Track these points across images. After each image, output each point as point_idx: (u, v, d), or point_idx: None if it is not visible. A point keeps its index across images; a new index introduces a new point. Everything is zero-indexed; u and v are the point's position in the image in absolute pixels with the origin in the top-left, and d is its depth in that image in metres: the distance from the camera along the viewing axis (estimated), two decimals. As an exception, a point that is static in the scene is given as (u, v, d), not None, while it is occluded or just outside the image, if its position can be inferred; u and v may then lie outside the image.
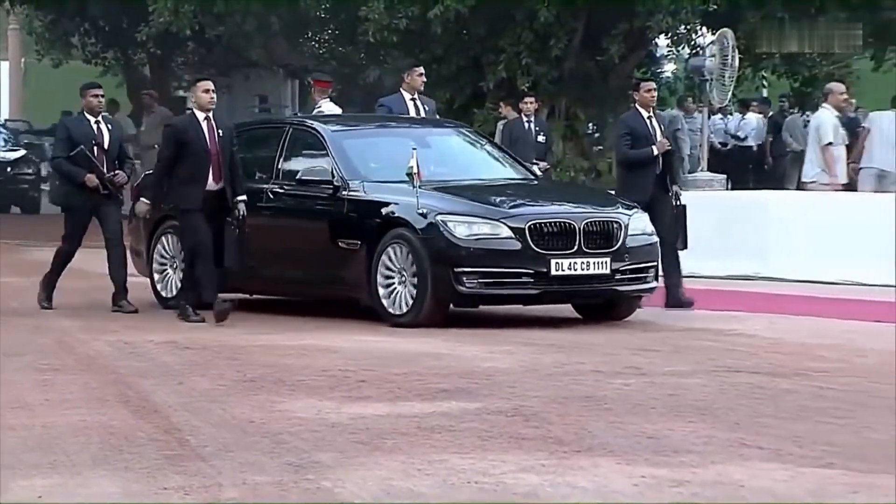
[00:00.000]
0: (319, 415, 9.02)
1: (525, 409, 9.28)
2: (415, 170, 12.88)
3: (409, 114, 15.56)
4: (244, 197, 13.37)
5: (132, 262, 14.79)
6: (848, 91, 20.46)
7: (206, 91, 13.38)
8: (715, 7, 21.27)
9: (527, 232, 12.67)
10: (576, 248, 12.77)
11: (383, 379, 10.41)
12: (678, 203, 14.41)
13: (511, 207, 13.02)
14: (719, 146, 25.84)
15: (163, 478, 7.24)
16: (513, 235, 12.70)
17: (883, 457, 7.92)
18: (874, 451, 8.07)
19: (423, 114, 15.74)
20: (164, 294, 14.56)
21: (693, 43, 22.72)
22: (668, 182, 14.54)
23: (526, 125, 19.77)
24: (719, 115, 24.01)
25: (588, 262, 12.79)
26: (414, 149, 13.17)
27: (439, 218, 12.73)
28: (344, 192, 13.39)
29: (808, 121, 19.90)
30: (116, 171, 14.01)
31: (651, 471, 7.51)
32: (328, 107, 18.95)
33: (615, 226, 13.05)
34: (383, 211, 13.12)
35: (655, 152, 14.31)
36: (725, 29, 20.35)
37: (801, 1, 21.65)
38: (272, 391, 9.86)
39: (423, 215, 12.75)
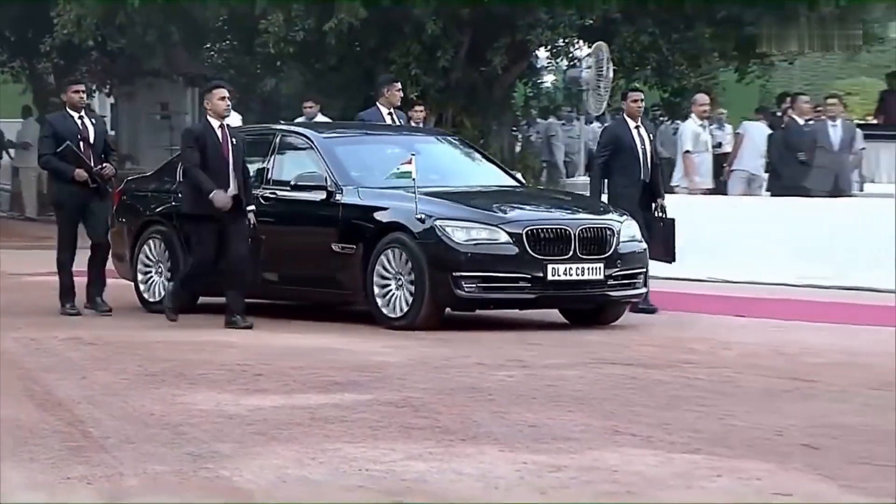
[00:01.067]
0: (218, 407, 8.97)
1: (414, 400, 9.29)
2: (413, 175, 12.44)
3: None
4: (253, 207, 12.82)
5: (114, 265, 14.34)
6: (714, 101, 20.73)
7: (223, 98, 12.73)
8: (591, 22, 21.39)
9: (524, 237, 12.29)
10: (571, 253, 12.41)
11: (279, 372, 10.38)
12: (664, 216, 14.02)
13: (507, 213, 12.61)
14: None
15: (66, 468, 7.18)
16: (510, 241, 12.31)
17: (743, 442, 8.02)
18: (736, 438, 8.17)
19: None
20: (148, 298, 14.03)
21: (571, 55, 22.87)
22: (655, 194, 14.11)
23: (415, 130, 19.88)
24: (597, 123, 24.15)
25: (583, 267, 12.42)
26: (413, 155, 12.72)
27: (438, 223, 12.31)
28: (338, 197, 12.94)
29: (677, 129, 20.11)
30: (104, 164, 13.47)
31: (532, 457, 7.55)
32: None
33: (608, 232, 12.66)
34: (379, 216, 12.69)
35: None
36: (601, 42, 20.54)
37: (671, 18, 21.90)
38: (173, 385, 9.79)
39: (422, 220, 12.33)
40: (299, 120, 20.96)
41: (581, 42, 22.59)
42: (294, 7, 21.26)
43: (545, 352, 11.59)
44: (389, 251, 12.43)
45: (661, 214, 14.00)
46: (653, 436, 8.17)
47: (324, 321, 13.27)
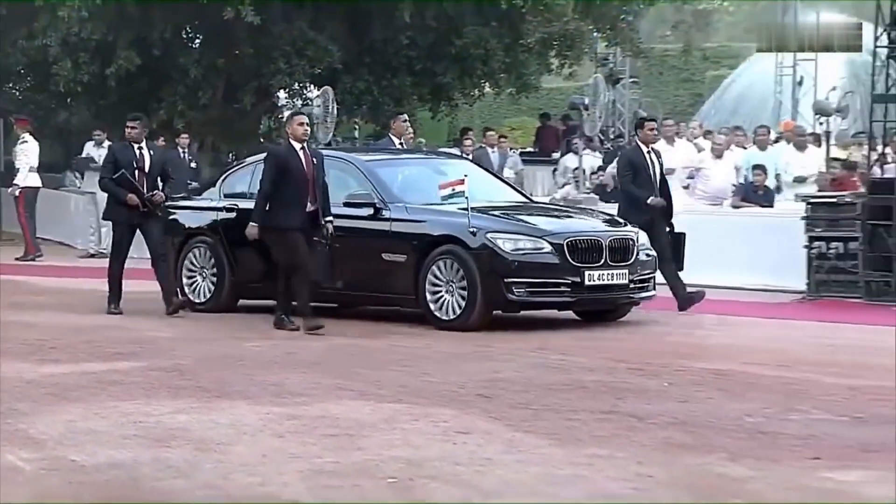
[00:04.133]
0: (19, 374, 8.65)
1: (180, 366, 9.12)
2: (466, 193, 11.29)
3: None
4: (331, 217, 11.28)
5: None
6: (416, 133, 21.10)
7: (301, 124, 11.39)
8: (319, 71, 21.50)
9: (565, 247, 11.14)
10: (602, 261, 11.27)
11: (71, 346, 10.06)
12: (673, 230, 12.58)
13: (548, 226, 11.42)
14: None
15: None
16: (552, 250, 11.13)
17: (435, 394, 8.12)
18: (430, 390, 8.26)
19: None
20: (193, 299, 12.51)
21: (304, 96, 22.94)
22: (668, 211, 12.64)
23: (182, 155, 19.67)
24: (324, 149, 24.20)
25: (612, 273, 11.31)
26: (465, 175, 11.66)
27: (489, 236, 11.10)
28: (385, 213, 11.62)
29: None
30: (154, 192, 12.16)
31: (273, 409, 7.50)
32: (30, 138, 18.68)
33: (631, 242, 11.55)
34: (429, 229, 11.37)
35: (653, 200, 12.43)
36: (327, 87, 20.61)
37: (381, 69, 22.23)
38: (-18, 357, 9.41)
39: (473, 233, 11.11)
40: (90, 144, 20.54)
41: (312, 86, 22.63)
42: (81, 54, 20.74)
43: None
44: (441, 261, 11.20)
45: (671, 229, 12.61)
46: (367, 391, 8.20)
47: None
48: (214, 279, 12.47)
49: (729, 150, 17.35)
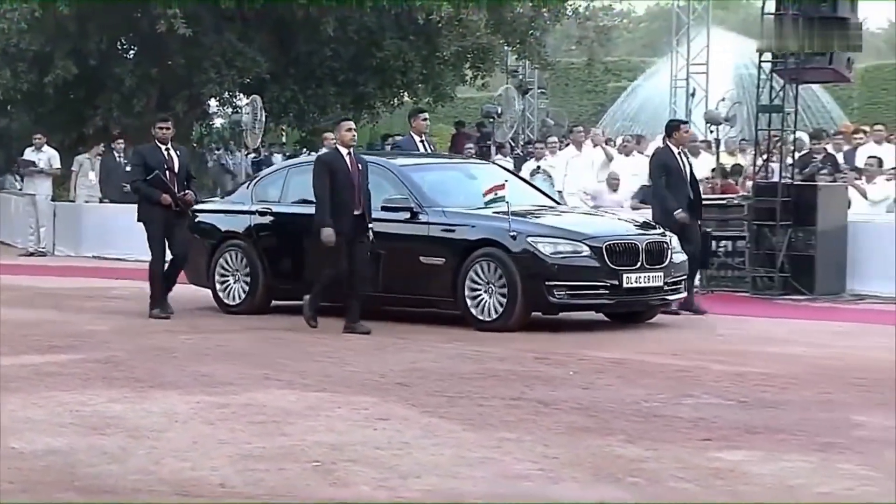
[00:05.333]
0: (-39, 367, 8.50)
1: (115, 358, 9.01)
2: (507, 198, 10.78)
3: (418, 150, 12.96)
4: (372, 225, 10.65)
5: (185, 273, 12.02)
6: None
7: (349, 130, 10.76)
8: (248, 80, 21.39)
9: (604, 251, 10.57)
10: (639, 264, 10.69)
11: (11, 339, 9.88)
12: (702, 229, 12.12)
13: (586, 230, 10.85)
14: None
15: None
16: (592, 254, 10.56)
17: (357, 383, 8.10)
18: (353, 380, 8.24)
19: (430, 150, 13.31)
20: (227, 301, 11.90)
21: (234, 104, 22.80)
22: (698, 210, 12.12)
23: (117, 158, 19.50)
24: (253, 154, 23.94)
25: (649, 276, 10.75)
26: (506, 181, 11.19)
27: (529, 239, 10.54)
28: (423, 217, 11.01)
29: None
30: (186, 192, 11.53)
31: (204, 398, 7.44)
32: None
33: (665, 245, 10.98)
34: (468, 233, 10.78)
35: (679, 215, 11.75)
36: (255, 95, 20.50)
37: (306, 79, 22.16)
38: (-75, 351, 9.20)
39: (514, 237, 10.55)
40: (29, 150, 20.18)
41: (241, 95, 22.47)
42: (20, 64, 20.40)
43: (216, 321, 11.40)
44: (481, 263, 10.63)
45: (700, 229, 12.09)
46: (293, 380, 8.16)
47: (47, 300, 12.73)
48: (248, 282, 11.82)
49: (632, 157, 17.53)
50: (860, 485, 5.50)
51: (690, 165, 12.28)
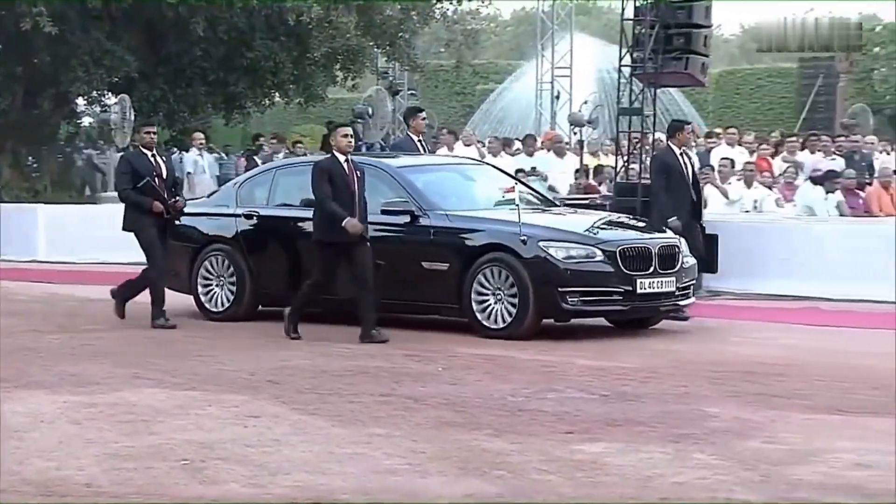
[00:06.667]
0: None
1: (-21, 359, 8.76)
2: (516, 201, 10.18)
3: (418, 151, 12.43)
4: (368, 234, 10.05)
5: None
6: (209, 139, 20.88)
7: (346, 136, 10.11)
8: (117, 79, 20.98)
9: (617, 255, 10.02)
10: (652, 269, 10.16)
11: None
12: (706, 232, 11.60)
13: (599, 234, 10.31)
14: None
15: None
16: (605, 259, 10.00)
17: (228, 381, 8.00)
18: (223, 378, 8.16)
19: (426, 151, 12.88)
20: (210, 308, 11.23)
21: (103, 103, 22.33)
22: (700, 211, 11.73)
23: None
24: (121, 153, 23.51)
25: (661, 281, 10.23)
26: (515, 184, 10.76)
27: (541, 244, 9.96)
28: (424, 221, 10.38)
29: (182, 158, 19.83)
30: (176, 198, 10.88)
31: (71, 398, 7.29)
32: None
33: (677, 249, 10.46)
34: (475, 237, 10.19)
35: (673, 223, 11.22)
36: (124, 94, 20.18)
37: (176, 78, 21.85)
38: None
39: (524, 241, 9.96)
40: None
41: (110, 93, 22.03)
42: None
43: (82, 320, 11.14)
44: (489, 269, 10.03)
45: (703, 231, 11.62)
46: (163, 379, 8.04)
47: None
48: (233, 287, 11.17)
49: (499, 157, 17.70)
50: (713, 474, 5.64)
51: (693, 167, 11.89)
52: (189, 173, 18.61)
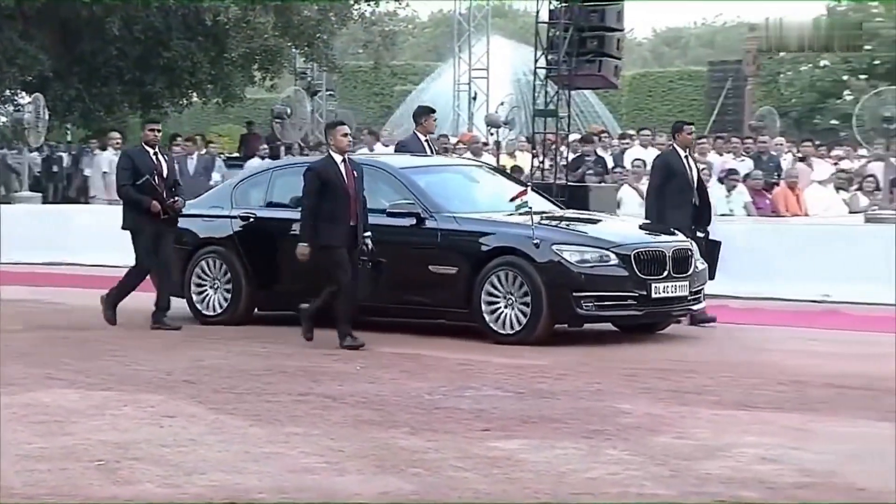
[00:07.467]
0: None
1: None
2: (529, 204, 9.90)
3: (425, 152, 12.00)
4: (369, 233, 9.63)
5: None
6: (126, 139, 20.59)
7: (345, 135, 9.65)
8: (31, 78, 20.67)
9: (632, 259, 9.68)
10: (666, 273, 9.82)
11: None
12: (709, 238, 10.97)
13: (612, 237, 9.94)
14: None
15: None
16: (620, 263, 9.66)
17: (143, 381, 7.89)
18: (139, 378, 8.05)
19: (433, 151, 12.49)
20: (204, 312, 10.79)
21: (16, 102, 21.91)
22: (706, 216, 11.07)
23: None
24: (36, 153, 23.10)
25: (676, 285, 9.88)
26: (527, 185, 10.48)
27: (554, 247, 9.61)
28: (432, 223, 10.02)
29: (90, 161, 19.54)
30: (175, 198, 10.50)
31: (-18, 400, 7.12)
32: None
33: (690, 253, 10.13)
34: (485, 241, 9.82)
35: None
36: (38, 93, 19.83)
37: (91, 77, 21.53)
38: None
39: (537, 245, 9.60)
40: None
41: (23, 93, 21.64)
42: None
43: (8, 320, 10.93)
44: (500, 273, 9.67)
45: (707, 237, 10.98)
46: (77, 379, 7.91)
47: None
48: (229, 291, 10.78)
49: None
50: (624, 469, 5.70)
51: (698, 170, 11.34)
52: (105, 173, 18.36)
